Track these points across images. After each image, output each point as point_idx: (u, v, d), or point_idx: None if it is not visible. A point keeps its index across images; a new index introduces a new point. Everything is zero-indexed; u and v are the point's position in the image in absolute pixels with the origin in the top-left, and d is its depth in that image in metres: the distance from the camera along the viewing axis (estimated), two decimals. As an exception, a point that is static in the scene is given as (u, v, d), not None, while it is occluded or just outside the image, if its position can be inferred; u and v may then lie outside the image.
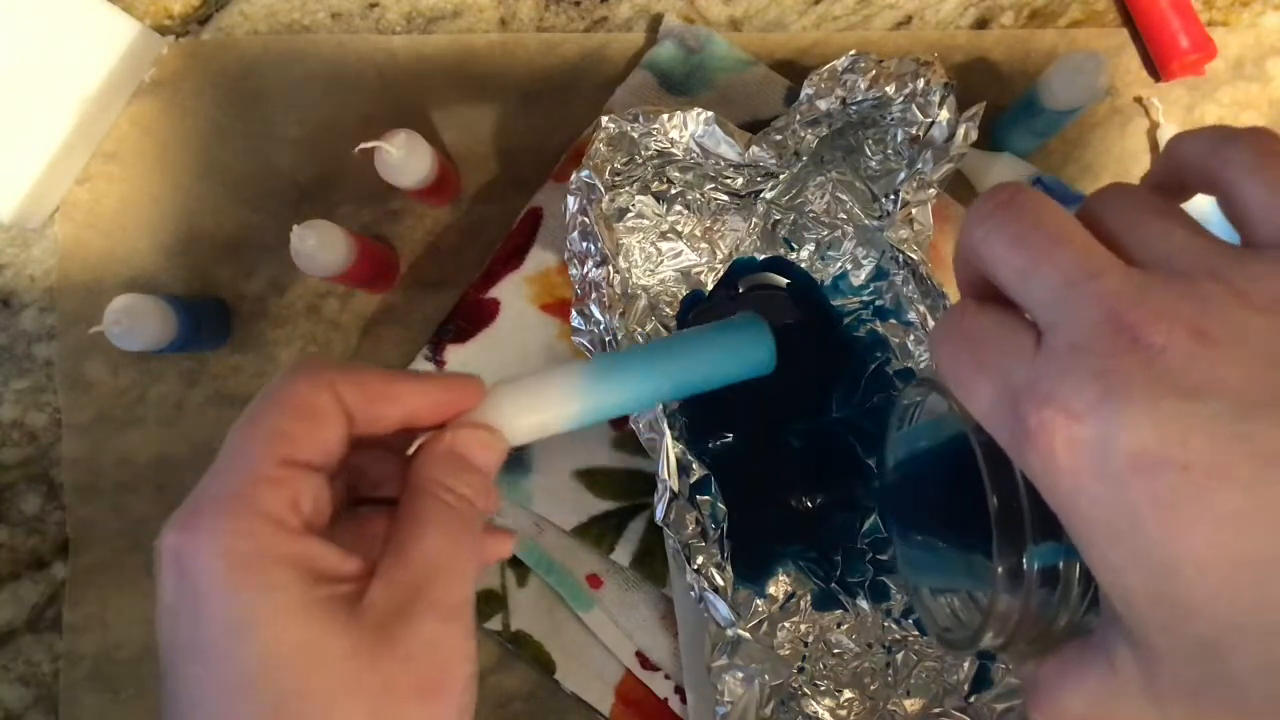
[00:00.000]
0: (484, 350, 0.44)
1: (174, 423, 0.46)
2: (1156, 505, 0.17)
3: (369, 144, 0.40)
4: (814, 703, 0.40)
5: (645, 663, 0.43)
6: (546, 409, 0.27)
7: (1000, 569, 0.22)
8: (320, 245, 0.40)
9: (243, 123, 0.47)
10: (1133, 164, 0.46)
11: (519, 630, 0.44)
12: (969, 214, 0.22)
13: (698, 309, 0.43)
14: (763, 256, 0.44)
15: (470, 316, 0.45)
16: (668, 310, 0.43)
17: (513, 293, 0.45)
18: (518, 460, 0.44)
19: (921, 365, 0.42)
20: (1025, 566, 0.22)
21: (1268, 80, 0.46)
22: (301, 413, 0.23)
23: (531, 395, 0.27)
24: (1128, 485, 0.18)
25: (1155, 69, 0.46)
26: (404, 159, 0.40)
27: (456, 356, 0.44)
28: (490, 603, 0.44)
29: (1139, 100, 0.46)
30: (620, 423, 0.44)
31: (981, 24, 0.47)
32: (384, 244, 0.46)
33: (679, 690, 0.43)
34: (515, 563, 0.44)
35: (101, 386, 0.47)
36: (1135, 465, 0.18)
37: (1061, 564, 0.22)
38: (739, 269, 0.43)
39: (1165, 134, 0.45)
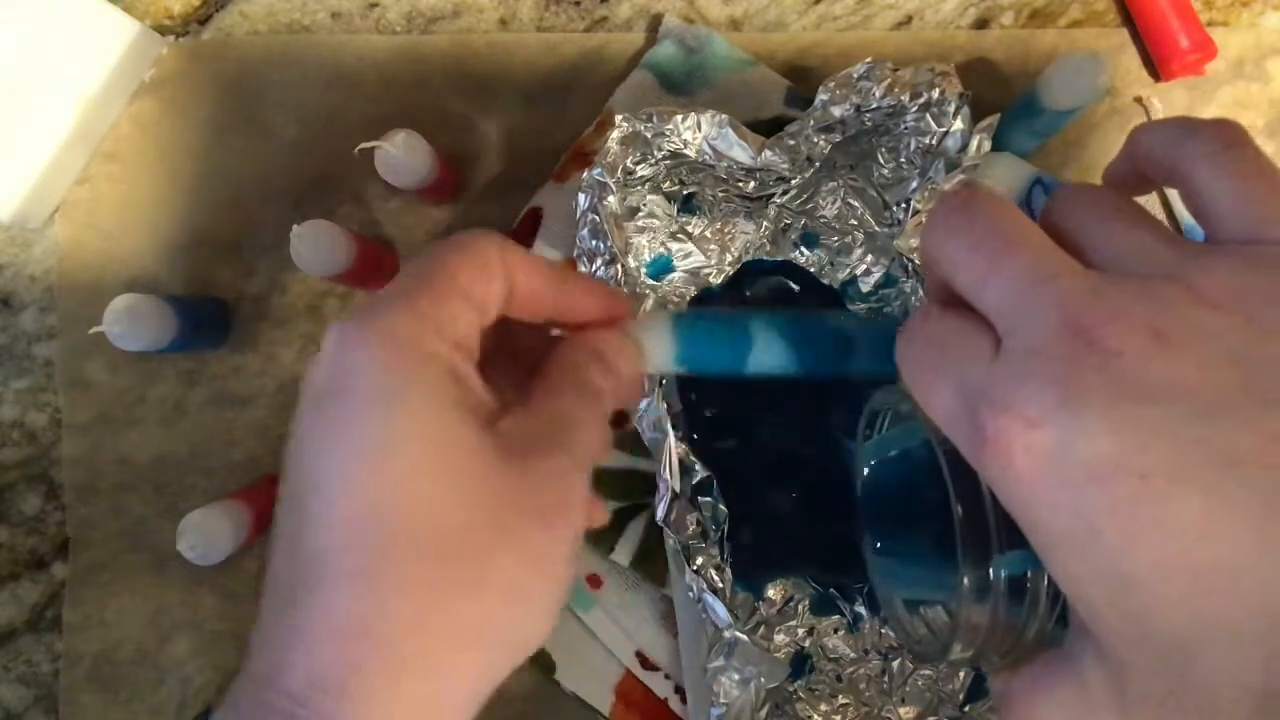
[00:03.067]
0: (484, 350, 0.44)
1: (174, 423, 0.46)
2: (1115, 513, 0.17)
3: (369, 144, 0.40)
4: (809, 707, 0.40)
5: (645, 663, 0.43)
6: (680, 347, 0.28)
7: (967, 579, 0.22)
8: (320, 245, 0.40)
9: (243, 123, 0.47)
10: (1133, 164, 0.46)
11: (519, 630, 0.44)
12: (928, 219, 0.22)
13: (708, 304, 0.43)
14: (773, 260, 0.44)
15: (470, 316, 0.45)
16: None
17: (513, 293, 0.44)
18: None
19: None
20: (992, 576, 0.21)
21: (1268, 80, 0.46)
22: (472, 259, 0.24)
23: (675, 330, 0.28)
24: (1086, 493, 0.17)
25: (1155, 69, 0.46)
26: (404, 159, 0.40)
27: (456, 356, 0.44)
28: (490, 603, 0.44)
29: (1139, 100, 0.46)
30: (621, 422, 0.44)
31: (981, 24, 0.47)
32: (384, 244, 0.46)
33: (679, 690, 0.43)
34: (515, 562, 0.44)
35: (101, 386, 0.47)
36: (1093, 473, 0.17)
37: (1029, 574, 0.21)
38: (750, 271, 0.43)
39: (1165, 134, 0.45)
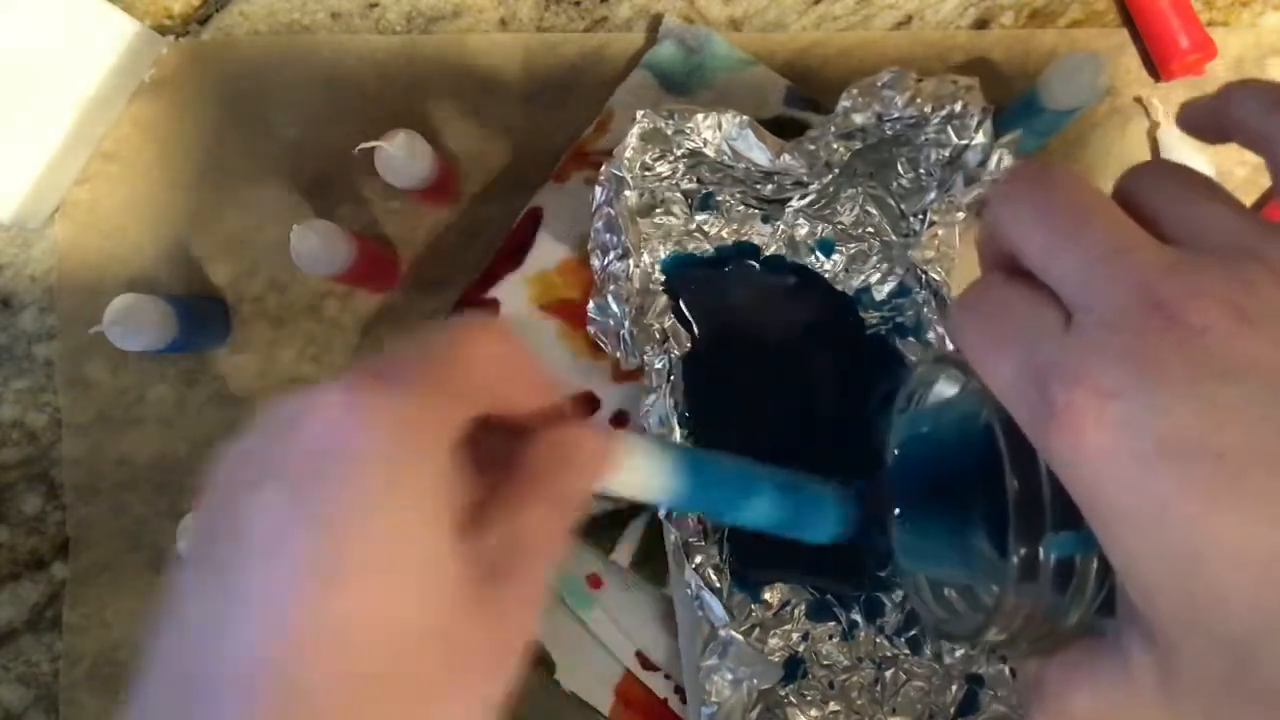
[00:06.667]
0: (484, 350, 0.44)
1: (174, 423, 0.46)
2: (1188, 492, 0.17)
3: (369, 144, 0.40)
4: (799, 712, 0.40)
5: (645, 663, 0.43)
6: (651, 473, 0.26)
7: (1016, 559, 0.21)
8: (320, 245, 0.40)
9: (243, 123, 0.47)
10: (1132, 164, 0.46)
11: (519, 630, 0.44)
12: (996, 191, 0.21)
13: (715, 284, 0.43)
14: (791, 262, 0.44)
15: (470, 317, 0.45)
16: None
17: (512, 293, 0.44)
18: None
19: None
20: (1041, 557, 0.21)
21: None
22: (483, 352, 0.23)
23: (650, 455, 0.26)
24: (1159, 471, 0.17)
25: (1155, 69, 0.46)
26: (404, 159, 0.40)
27: (456, 356, 0.44)
28: (490, 603, 0.44)
29: (1139, 100, 0.46)
30: (621, 421, 0.44)
31: (981, 24, 0.47)
32: (384, 244, 0.46)
33: (679, 690, 0.43)
34: (515, 563, 0.44)
35: (101, 386, 0.47)
36: (1168, 450, 0.17)
37: (1078, 558, 0.21)
38: (773, 266, 0.44)
39: (1165, 134, 0.45)
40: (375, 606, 0.19)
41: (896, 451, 0.28)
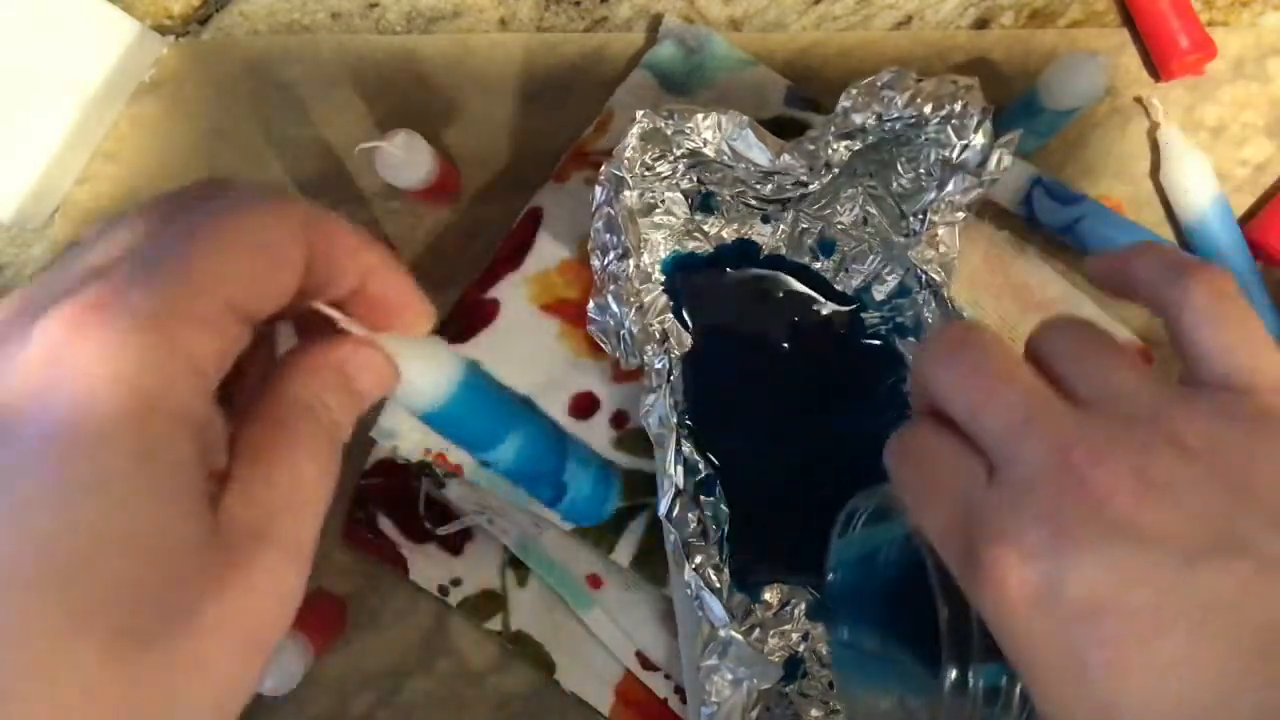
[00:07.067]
0: (484, 351, 0.44)
1: (174, 423, 0.46)
2: (1101, 648, 0.18)
3: (369, 144, 0.40)
4: (799, 712, 0.40)
5: (645, 663, 0.43)
6: (431, 376, 0.24)
7: (947, 683, 0.22)
8: (320, 245, 0.40)
9: (243, 123, 0.47)
10: (1132, 164, 0.46)
11: (519, 630, 0.44)
12: (924, 350, 0.23)
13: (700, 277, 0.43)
14: (791, 261, 0.44)
15: (470, 317, 0.45)
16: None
17: (512, 293, 0.44)
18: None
19: None
20: (970, 684, 0.22)
21: (1268, 80, 0.46)
22: (268, 259, 0.19)
23: (429, 358, 0.24)
24: (1076, 627, 0.18)
25: (1155, 69, 0.46)
26: (404, 159, 0.40)
27: (456, 356, 0.44)
28: (490, 603, 0.44)
29: (1139, 100, 0.46)
30: (621, 421, 0.44)
31: (981, 24, 0.47)
32: (384, 244, 0.46)
33: (679, 690, 0.43)
34: (515, 563, 0.44)
35: (101, 386, 0.47)
36: (1083, 609, 0.18)
37: (1004, 682, 0.22)
38: (772, 266, 0.44)
39: (1165, 134, 0.45)
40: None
41: (834, 574, 0.29)
